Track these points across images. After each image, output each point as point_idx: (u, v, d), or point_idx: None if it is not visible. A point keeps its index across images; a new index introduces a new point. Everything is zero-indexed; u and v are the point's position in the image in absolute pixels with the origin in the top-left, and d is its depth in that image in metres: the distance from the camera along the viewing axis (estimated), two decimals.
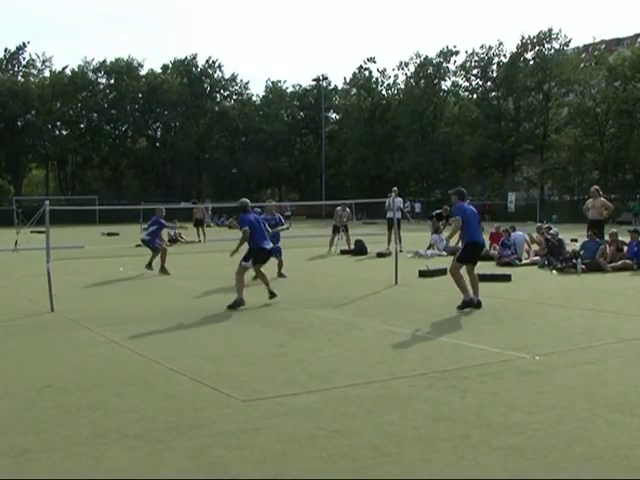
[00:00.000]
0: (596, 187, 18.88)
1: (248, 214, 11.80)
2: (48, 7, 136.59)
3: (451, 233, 11.94)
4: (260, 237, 11.64)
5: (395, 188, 20.90)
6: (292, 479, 4.30)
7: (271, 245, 12.16)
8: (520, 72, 59.11)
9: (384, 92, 71.76)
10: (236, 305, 11.05)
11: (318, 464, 4.49)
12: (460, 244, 12.02)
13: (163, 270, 16.58)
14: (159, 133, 74.56)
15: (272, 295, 11.64)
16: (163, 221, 17.96)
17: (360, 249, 21.97)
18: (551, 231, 18.37)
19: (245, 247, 11.66)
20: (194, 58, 74.36)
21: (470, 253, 11.07)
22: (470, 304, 10.63)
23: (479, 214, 12.06)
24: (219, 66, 74.71)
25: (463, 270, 10.97)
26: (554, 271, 16.03)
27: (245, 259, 11.52)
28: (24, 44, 66.75)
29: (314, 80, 75.88)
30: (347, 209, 23.99)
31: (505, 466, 4.42)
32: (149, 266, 16.74)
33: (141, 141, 74.02)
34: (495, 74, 61.93)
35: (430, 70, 65.26)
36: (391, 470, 4.39)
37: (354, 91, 73.31)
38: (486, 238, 20.72)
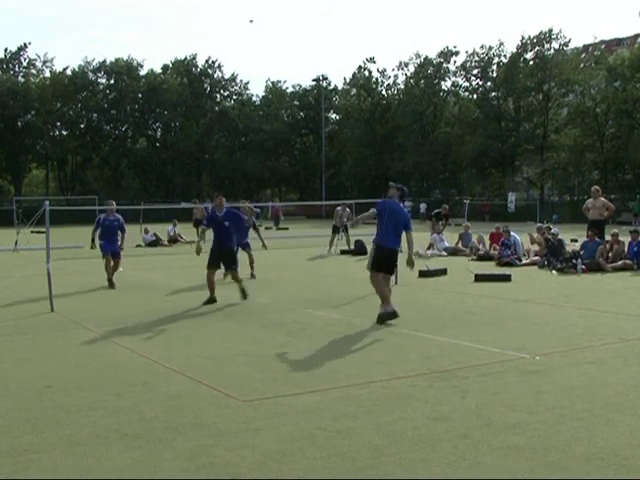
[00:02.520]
0: (597, 187, 18.91)
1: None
2: (48, 7, 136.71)
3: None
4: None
5: None
6: (292, 479, 4.30)
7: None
8: (520, 72, 59.05)
9: (384, 92, 71.72)
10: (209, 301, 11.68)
11: (318, 464, 4.49)
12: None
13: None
14: (159, 133, 74.50)
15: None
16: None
17: (360, 249, 21.97)
18: (551, 231, 18.37)
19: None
20: (194, 58, 74.35)
21: (379, 257, 9.91)
22: (393, 316, 9.68)
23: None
24: (219, 66, 74.72)
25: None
26: (554, 271, 16.03)
27: None
28: (25, 45, 66.82)
29: (314, 80, 75.96)
30: (347, 209, 24.01)
31: (505, 466, 4.42)
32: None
33: (141, 141, 74.00)
34: (495, 74, 61.89)
35: (430, 70, 65.21)
36: (391, 470, 4.39)
37: (354, 91, 73.27)
38: (486, 237, 20.85)
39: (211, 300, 11.71)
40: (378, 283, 9.87)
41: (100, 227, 14.78)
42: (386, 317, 9.67)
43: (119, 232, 14.79)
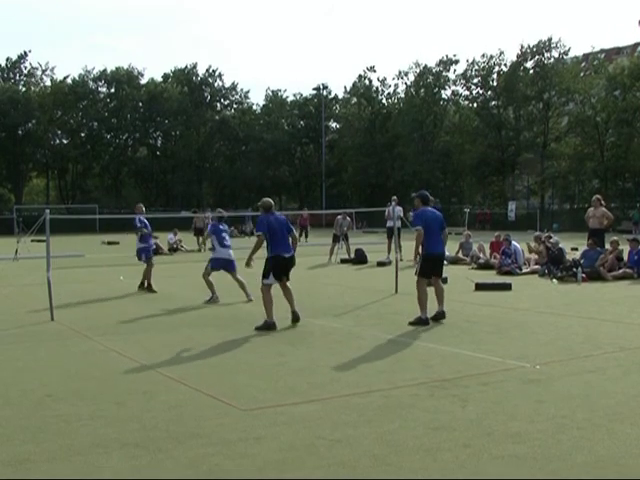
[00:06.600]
0: (598, 196, 18.89)
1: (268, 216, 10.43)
2: (49, 15, 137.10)
3: (415, 246, 10.86)
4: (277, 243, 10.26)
5: (395, 197, 20.92)
6: None
7: (292, 252, 10.39)
8: (520, 81, 59.27)
9: (384, 101, 72.00)
10: (264, 327, 9.95)
11: (318, 473, 4.48)
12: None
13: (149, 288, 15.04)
14: (159, 142, 74.76)
15: (294, 317, 10.35)
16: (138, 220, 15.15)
17: (360, 258, 21.98)
18: (551, 240, 18.37)
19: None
20: (194, 67, 74.69)
21: (429, 266, 10.58)
22: (425, 323, 10.11)
23: (444, 220, 11.32)
24: (219, 75, 75.08)
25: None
26: (554, 280, 16.02)
27: (265, 276, 10.24)
28: (25, 53, 67.19)
29: (314, 89, 76.31)
30: (347, 218, 24.01)
31: (506, 475, 4.41)
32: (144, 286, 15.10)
33: (141, 150, 74.22)
34: (495, 83, 62.07)
35: (430, 79, 65.41)
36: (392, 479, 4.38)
37: (354, 100, 73.53)
38: (487, 246, 20.85)
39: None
40: (423, 290, 10.41)
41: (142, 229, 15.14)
42: (423, 322, 10.14)
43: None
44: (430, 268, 10.63)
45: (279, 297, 10.46)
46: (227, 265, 13.36)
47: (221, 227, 13.77)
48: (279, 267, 10.28)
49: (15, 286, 16.22)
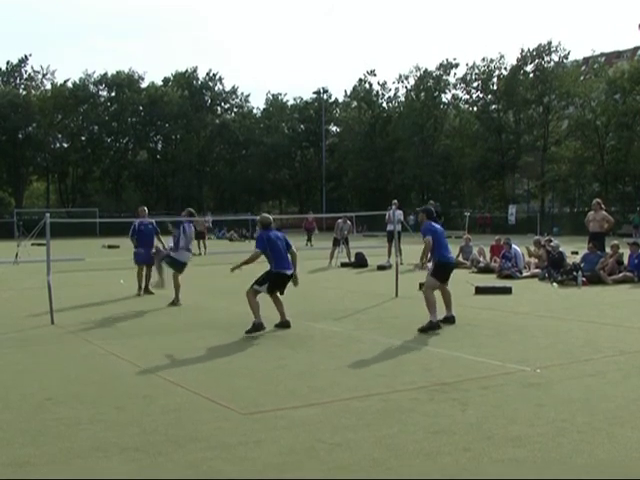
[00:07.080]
0: (598, 200, 18.89)
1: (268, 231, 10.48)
2: (49, 17, 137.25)
3: (423, 253, 10.76)
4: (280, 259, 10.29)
5: (395, 201, 20.92)
6: None
7: (292, 270, 10.37)
8: (520, 85, 59.27)
9: (384, 105, 71.98)
10: (254, 329, 9.93)
11: (318, 477, 4.48)
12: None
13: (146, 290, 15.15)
14: (160, 145, 74.76)
15: (284, 325, 10.39)
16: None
17: (360, 262, 21.97)
18: (552, 243, 18.36)
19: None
20: (195, 71, 74.73)
21: (441, 272, 10.62)
22: (437, 326, 10.08)
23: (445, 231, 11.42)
24: (219, 79, 75.11)
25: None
26: (555, 284, 16.02)
27: (259, 283, 10.22)
28: (26, 57, 67.20)
29: (315, 93, 76.35)
30: (348, 222, 24.02)
31: (506, 479, 4.40)
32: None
33: (142, 153, 74.19)
34: (495, 87, 62.09)
35: (430, 83, 65.45)
36: None
37: (355, 104, 73.55)
38: (487, 250, 20.83)
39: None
40: (431, 294, 10.37)
41: (137, 233, 15.04)
42: (435, 327, 10.02)
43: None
44: (441, 273, 10.65)
45: (270, 304, 10.46)
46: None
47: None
48: (278, 283, 10.38)
49: (15, 290, 16.23)
